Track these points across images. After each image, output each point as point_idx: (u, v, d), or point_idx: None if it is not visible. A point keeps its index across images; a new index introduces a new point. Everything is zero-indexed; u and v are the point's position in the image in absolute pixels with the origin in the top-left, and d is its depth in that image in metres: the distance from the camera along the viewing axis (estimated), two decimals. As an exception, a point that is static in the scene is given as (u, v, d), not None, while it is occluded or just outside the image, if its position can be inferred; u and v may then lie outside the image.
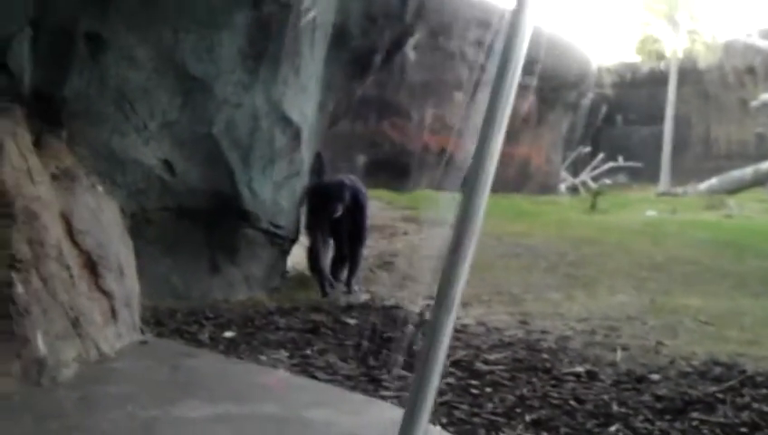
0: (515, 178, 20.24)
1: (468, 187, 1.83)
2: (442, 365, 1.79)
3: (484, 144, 1.83)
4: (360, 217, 7.98)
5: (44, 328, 4.41)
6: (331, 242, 8.19)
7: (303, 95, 7.29)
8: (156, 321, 5.95)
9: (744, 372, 5.20)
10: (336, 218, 7.72)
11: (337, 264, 8.14)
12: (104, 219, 5.55)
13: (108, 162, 5.97)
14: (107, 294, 5.19)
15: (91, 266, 5.11)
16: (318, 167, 8.31)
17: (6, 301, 4.26)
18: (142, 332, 5.65)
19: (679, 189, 24.58)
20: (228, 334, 5.89)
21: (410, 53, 17.97)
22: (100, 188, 5.74)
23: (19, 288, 4.33)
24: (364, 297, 7.59)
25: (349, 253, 8.09)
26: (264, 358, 5.30)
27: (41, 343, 4.34)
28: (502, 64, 1.83)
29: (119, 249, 5.57)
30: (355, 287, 7.86)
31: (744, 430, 4.14)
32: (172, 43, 6.19)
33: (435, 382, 1.76)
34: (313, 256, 7.80)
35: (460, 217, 1.82)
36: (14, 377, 4.20)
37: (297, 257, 8.30)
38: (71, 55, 5.72)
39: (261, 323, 6.24)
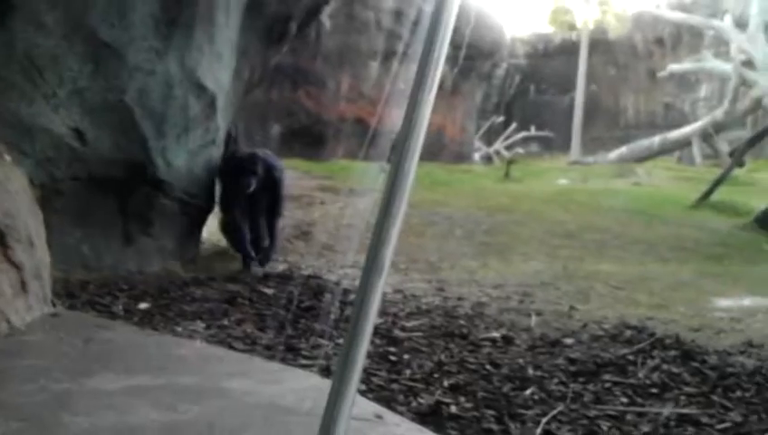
0: (430, 147, 20.30)
1: (398, 151, 1.83)
2: (372, 330, 1.79)
3: (414, 108, 1.83)
4: (275, 192, 7.78)
5: (-49, 301, 4.27)
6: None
7: (218, 63, 7.17)
8: (67, 293, 5.81)
9: (653, 334, 5.37)
10: (251, 193, 7.48)
11: (253, 239, 7.84)
12: (12, 189, 5.37)
13: (15, 130, 5.78)
14: (16, 265, 5.04)
15: (0, 238, 4.96)
16: (234, 137, 8.19)
17: None
18: (53, 304, 5.51)
19: (590, 158, 25.12)
20: (143, 306, 5.79)
21: (326, 21, 17.85)
22: (7, 158, 5.56)
23: (-77, 261, 4.18)
24: (281, 267, 7.56)
25: (267, 228, 7.83)
26: (180, 329, 5.23)
27: (-52, 317, 4.21)
28: (431, 28, 1.83)
29: (27, 220, 5.40)
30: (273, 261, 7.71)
31: (654, 390, 4.28)
32: (82, 8, 6.00)
33: (365, 347, 1.76)
34: (236, 234, 7.65)
35: (390, 181, 1.82)
36: None
37: (213, 228, 8.21)
38: (-24, 19, 5.51)
39: (176, 295, 6.15)
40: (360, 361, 1.77)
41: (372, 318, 1.78)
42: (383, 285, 1.81)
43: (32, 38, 5.80)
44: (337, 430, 1.74)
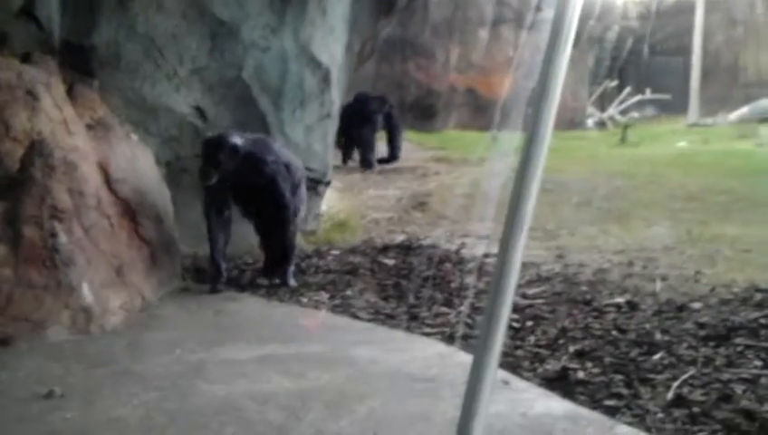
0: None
1: (533, 118, 1.82)
2: (513, 293, 1.79)
3: (547, 74, 1.81)
4: (272, 192, 5.81)
5: (89, 277, 4.46)
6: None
7: (331, 37, 7.22)
8: (195, 267, 6.00)
9: (785, 297, 5.17)
10: (241, 193, 5.85)
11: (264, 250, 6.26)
12: (140, 168, 5.58)
13: (140, 110, 5.98)
14: (147, 241, 5.24)
15: (131, 215, 5.16)
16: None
17: (51, 251, 4.31)
18: (183, 278, 5.71)
19: (709, 120, 24.25)
20: (268, 278, 5.94)
21: (433, -10, 17.77)
22: (134, 137, 5.76)
23: (63, 238, 4.38)
24: (400, 238, 7.56)
25: (269, 238, 6.08)
26: (305, 300, 5.35)
27: (87, 292, 4.40)
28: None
29: (156, 197, 5.61)
30: (292, 281, 5.84)
31: (790, 354, 4.14)
32: (199, -13, 6.16)
33: (508, 307, 1.76)
34: (209, 238, 5.77)
35: (525, 148, 1.83)
36: (64, 326, 4.27)
37: (332, 200, 8.31)
38: (99, 3, 5.71)
39: (299, 267, 6.27)
40: (505, 319, 1.77)
41: (513, 284, 1.78)
42: (522, 251, 1.81)
43: (152, 19, 5.97)
44: (483, 389, 1.75)
